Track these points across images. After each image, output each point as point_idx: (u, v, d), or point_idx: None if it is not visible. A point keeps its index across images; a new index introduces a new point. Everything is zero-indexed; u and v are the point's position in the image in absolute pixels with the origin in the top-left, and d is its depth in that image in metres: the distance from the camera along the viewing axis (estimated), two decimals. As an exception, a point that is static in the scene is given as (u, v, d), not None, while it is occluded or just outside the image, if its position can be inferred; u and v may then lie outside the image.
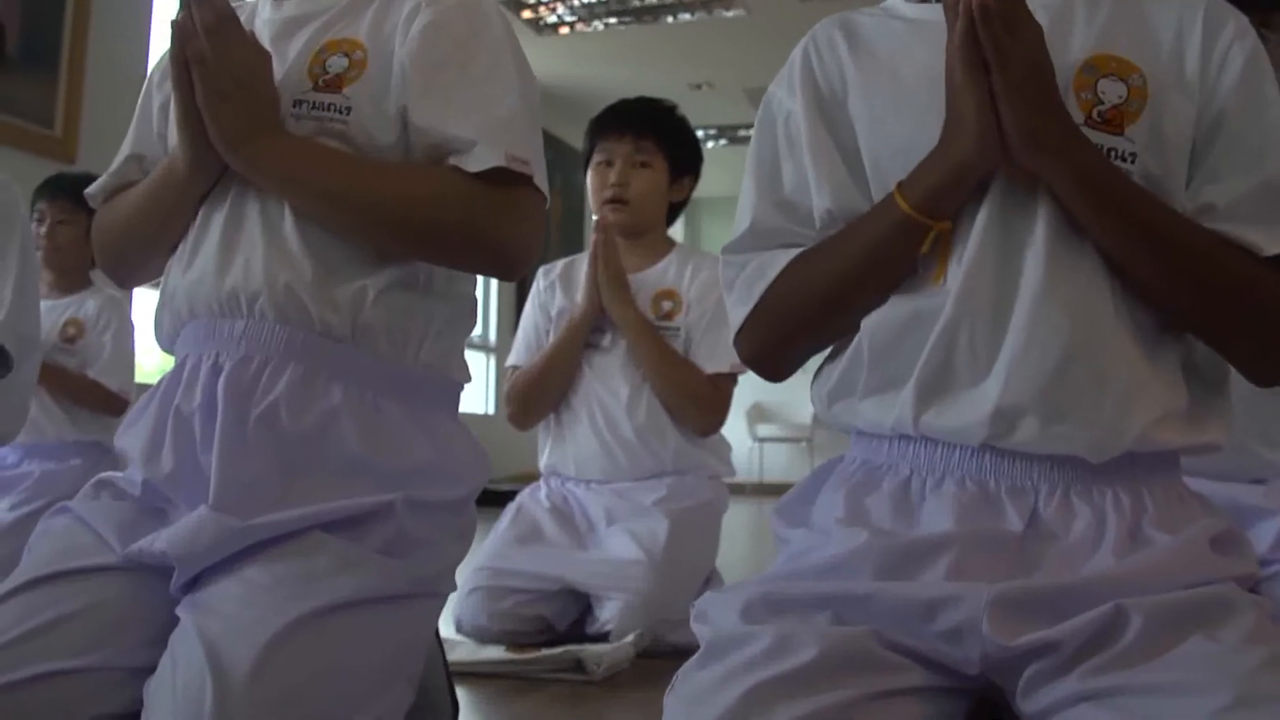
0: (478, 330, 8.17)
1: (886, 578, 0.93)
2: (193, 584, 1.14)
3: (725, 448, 2.52)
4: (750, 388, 10.40)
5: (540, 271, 2.60)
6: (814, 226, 1.07)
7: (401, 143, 1.23)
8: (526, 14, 7.09)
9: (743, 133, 9.86)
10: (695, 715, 0.85)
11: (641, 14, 7.05)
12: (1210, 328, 0.97)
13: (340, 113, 1.22)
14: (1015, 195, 0.96)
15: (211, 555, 1.12)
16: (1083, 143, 0.94)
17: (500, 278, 1.28)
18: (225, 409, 1.18)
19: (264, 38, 1.28)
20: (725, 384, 2.39)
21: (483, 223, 1.21)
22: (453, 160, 1.20)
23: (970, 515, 0.94)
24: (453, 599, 2.24)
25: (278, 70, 1.25)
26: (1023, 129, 0.93)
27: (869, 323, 1.01)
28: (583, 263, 2.48)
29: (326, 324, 1.21)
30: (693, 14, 7.03)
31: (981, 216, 0.97)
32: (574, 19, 7.15)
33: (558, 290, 2.54)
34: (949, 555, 0.92)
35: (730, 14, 7.01)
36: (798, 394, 10.30)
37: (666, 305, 2.44)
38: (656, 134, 2.46)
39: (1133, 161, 0.96)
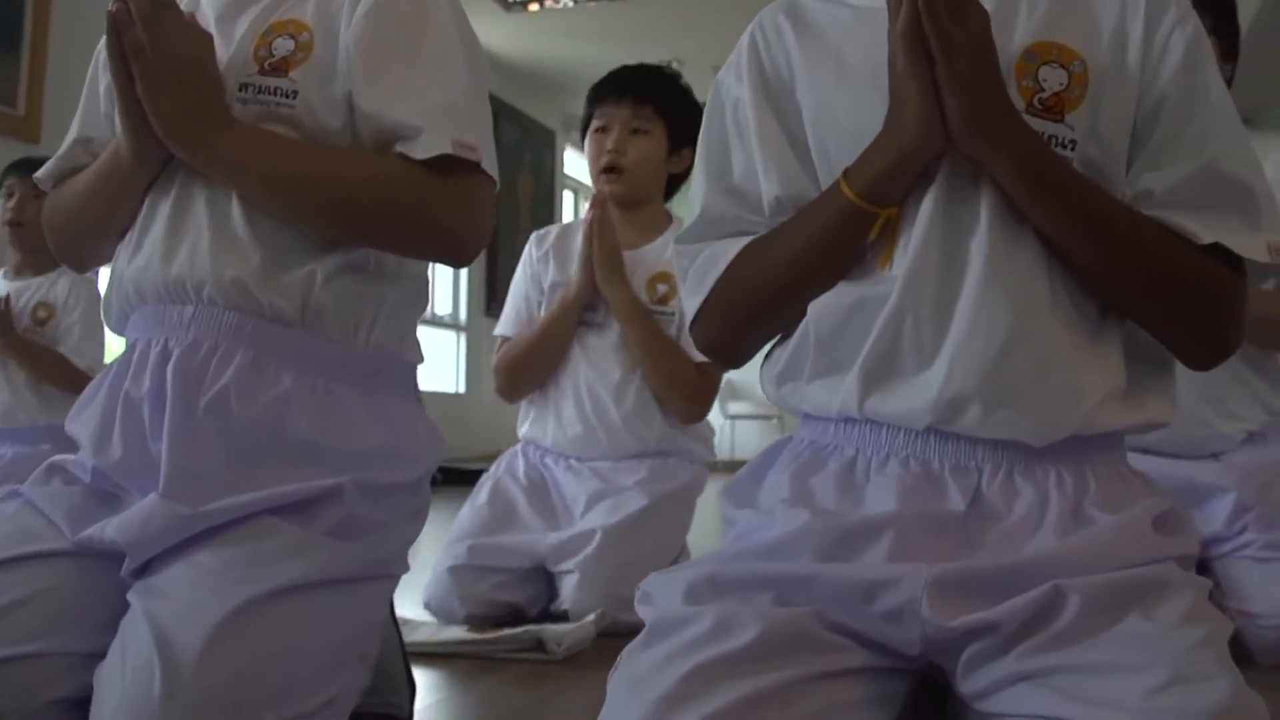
0: (447, 308, 8.16)
1: (828, 559, 0.93)
2: (143, 569, 1.13)
3: (709, 431, 2.50)
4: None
5: (533, 239, 2.55)
6: (764, 214, 1.07)
7: (349, 127, 1.22)
8: (497, -10, 7.04)
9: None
10: (637, 695, 0.85)
11: (615, -10, 7.02)
12: (1147, 314, 0.98)
13: (287, 96, 1.21)
14: (959, 182, 0.97)
15: (161, 542, 1.12)
16: (1024, 130, 0.94)
17: (449, 264, 1.27)
18: (174, 396, 1.17)
19: (209, 18, 1.27)
20: (713, 373, 2.37)
21: (430, 210, 1.20)
22: (400, 147, 1.19)
23: (913, 495, 0.95)
24: (424, 578, 2.25)
25: (223, 53, 1.23)
26: (965, 116, 0.93)
27: (815, 308, 1.01)
28: (577, 232, 2.43)
29: (275, 309, 1.20)
30: (665, -10, 7.00)
31: (927, 203, 0.97)
32: (545, -6, 7.11)
33: (551, 261, 2.48)
34: (890, 536, 0.92)
35: (704, -10, 6.98)
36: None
37: (662, 289, 2.40)
38: (656, 100, 2.42)
39: (1073, 149, 0.96)
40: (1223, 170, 0.96)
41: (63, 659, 1.09)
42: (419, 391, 1.35)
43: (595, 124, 2.41)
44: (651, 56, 7.86)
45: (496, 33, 7.62)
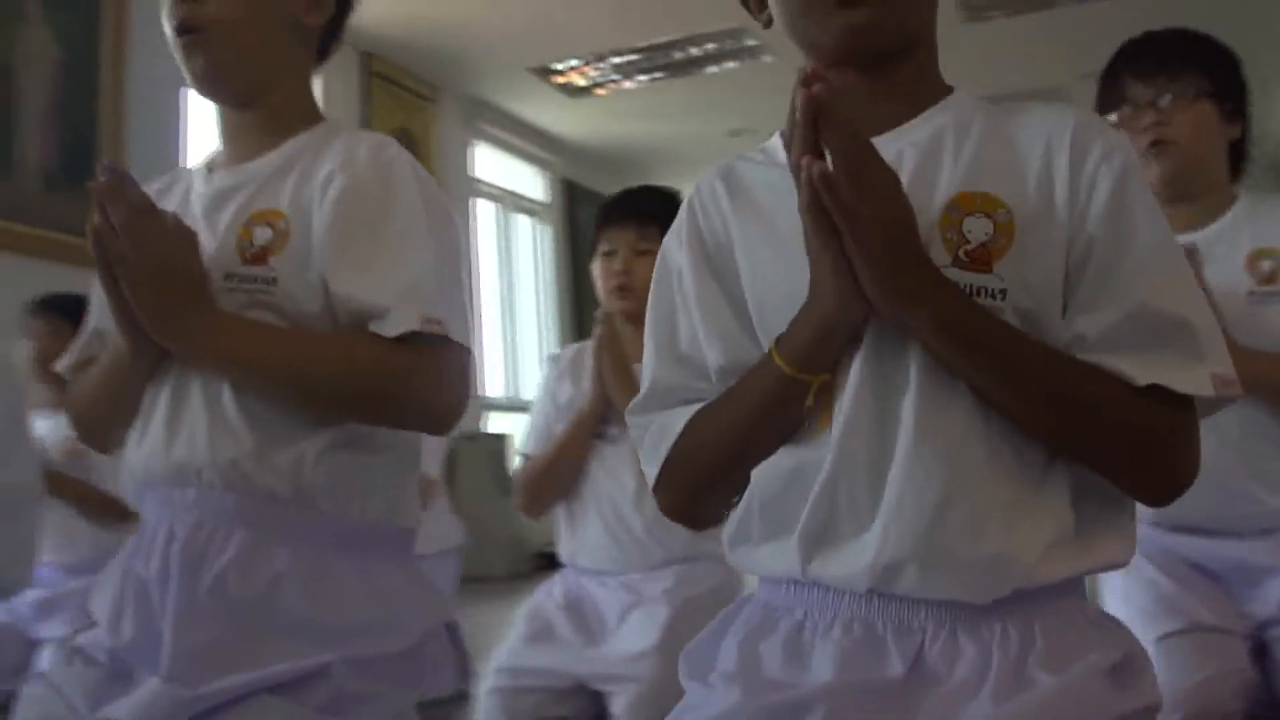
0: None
1: None
2: None
3: None
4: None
5: (549, 359, 2.62)
6: (711, 380, 1.08)
7: (328, 310, 1.28)
8: (558, 79, 7.19)
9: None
10: None
11: (676, 68, 7.12)
12: (1091, 459, 0.97)
13: (268, 284, 1.28)
14: (887, 343, 0.97)
15: None
16: (943, 289, 0.94)
17: (430, 433, 1.33)
18: (178, 578, 1.24)
19: (196, 211, 1.35)
20: None
21: (403, 388, 1.25)
22: (372, 326, 1.24)
23: (852, 662, 0.95)
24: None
25: (209, 244, 1.30)
26: (878, 285, 0.92)
27: (757, 474, 1.03)
28: (589, 351, 2.51)
29: (270, 489, 1.26)
30: (724, 65, 7.08)
31: (856, 367, 0.97)
32: (607, 79, 7.24)
33: (567, 379, 2.53)
34: (821, 712, 0.92)
35: (764, 60, 7.05)
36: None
37: None
38: (659, 222, 2.49)
39: (1003, 298, 0.95)
40: (1155, 309, 0.95)
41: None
42: (412, 552, 1.39)
43: (603, 248, 2.47)
44: (720, 127, 7.96)
45: (566, 119, 7.78)
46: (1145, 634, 1.88)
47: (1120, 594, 2.01)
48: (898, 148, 1.01)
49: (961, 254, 0.96)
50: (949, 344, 0.94)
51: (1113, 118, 2.06)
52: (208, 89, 1.37)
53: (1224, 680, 1.83)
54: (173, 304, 1.25)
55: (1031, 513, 0.95)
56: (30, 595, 2.92)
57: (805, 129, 0.90)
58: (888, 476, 0.95)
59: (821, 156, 0.90)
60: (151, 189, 1.45)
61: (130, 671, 1.26)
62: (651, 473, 1.10)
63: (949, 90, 1.08)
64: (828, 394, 0.99)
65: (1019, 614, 0.95)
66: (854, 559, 0.96)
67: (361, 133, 1.39)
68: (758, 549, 1.04)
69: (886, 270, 0.92)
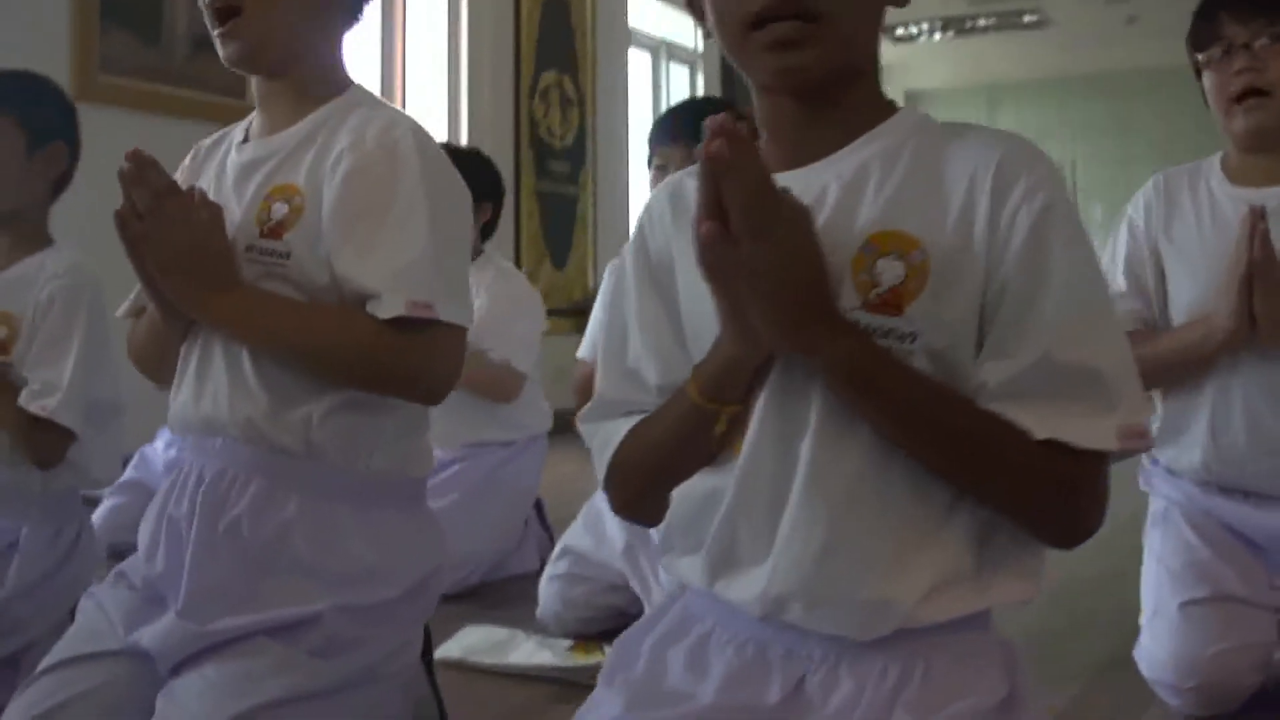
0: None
1: None
2: (176, 669, 1.36)
3: None
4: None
5: (609, 269, 2.63)
6: (654, 395, 1.11)
7: (335, 284, 1.37)
8: None
9: (968, 24, 9.48)
10: None
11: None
12: (992, 505, 0.98)
13: (282, 258, 1.38)
14: (793, 381, 0.99)
15: (178, 654, 1.34)
16: (842, 336, 0.94)
17: (423, 404, 1.43)
18: (200, 520, 1.39)
19: (229, 179, 1.45)
20: None
21: (395, 366, 1.35)
22: (369, 306, 1.34)
23: (736, 683, 1.01)
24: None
25: (235, 215, 1.41)
26: (774, 334, 0.94)
27: (676, 494, 1.07)
28: None
29: (283, 444, 1.38)
30: None
31: (761, 402, 1.00)
32: None
33: None
34: None
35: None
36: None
37: None
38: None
39: (913, 341, 0.95)
40: (1060, 359, 0.93)
41: (114, 744, 1.35)
42: (423, 500, 1.52)
43: (656, 161, 2.50)
44: None
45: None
46: (1170, 597, 1.91)
47: (1155, 552, 2.02)
48: (824, 180, 1.01)
49: (872, 296, 0.96)
50: (847, 391, 0.96)
51: (1201, 56, 1.97)
52: (242, 67, 1.45)
53: (1241, 654, 1.84)
54: (193, 280, 1.36)
55: (923, 555, 0.98)
56: (162, 454, 3.20)
57: (705, 186, 0.92)
58: (783, 513, 0.99)
59: (723, 211, 0.91)
60: (204, 145, 1.56)
61: (163, 598, 1.42)
62: (599, 477, 1.16)
63: (891, 111, 1.06)
64: (742, 424, 1.02)
65: (903, 652, 0.99)
66: (749, 586, 1.01)
67: (378, 108, 1.45)
68: (679, 560, 1.10)
69: (783, 321, 0.94)
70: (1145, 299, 2.00)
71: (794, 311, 0.94)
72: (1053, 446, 0.93)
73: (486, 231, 3.07)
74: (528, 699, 2.08)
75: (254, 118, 1.52)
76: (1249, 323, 1.78)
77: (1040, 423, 0.94)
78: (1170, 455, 2.02)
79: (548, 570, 2.51)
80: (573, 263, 6.93)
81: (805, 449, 0.98)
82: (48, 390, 1.81)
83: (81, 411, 1.83)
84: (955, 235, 0.97)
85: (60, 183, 2.00)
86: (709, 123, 0.91)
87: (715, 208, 0.92)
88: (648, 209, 1.16)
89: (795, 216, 0.94)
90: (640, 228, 1.16)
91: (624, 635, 1.17)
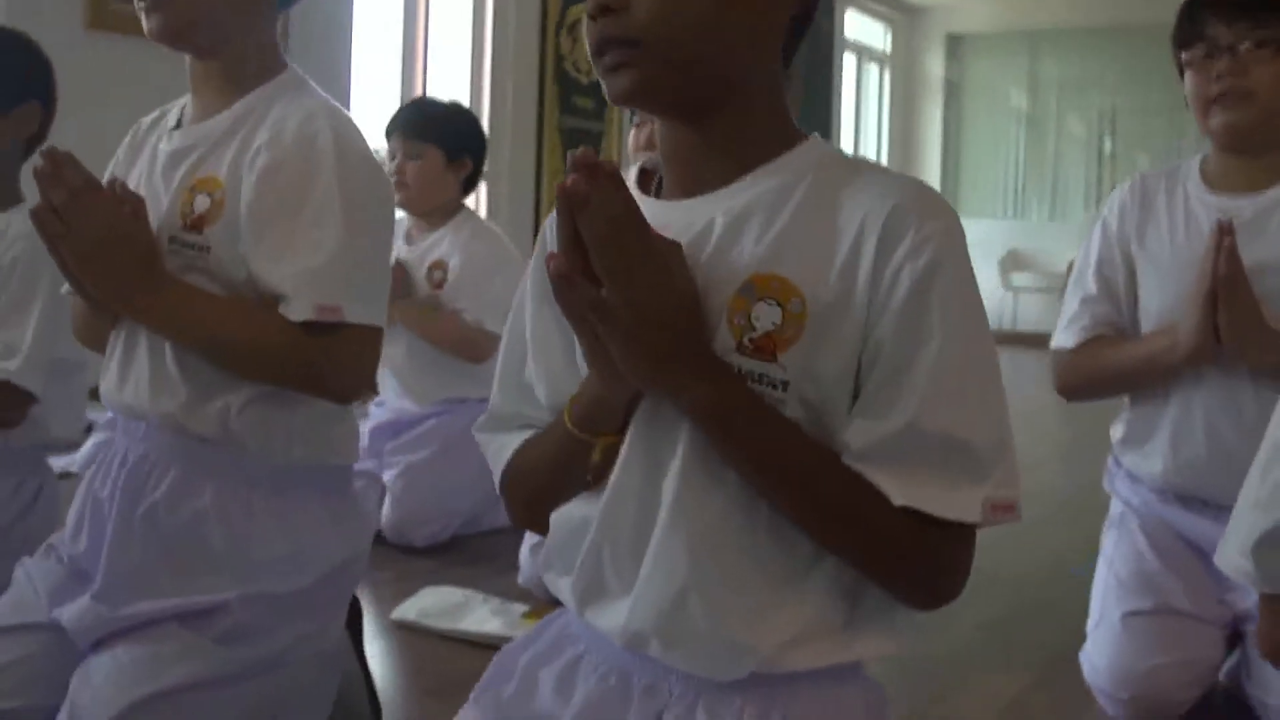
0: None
1: None
2: (94, 646, 1.39)
3: None
4: (1005, 233, 9.90)
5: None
6: (546, 412, 1.09)
7: (252, 280, 1.37)
8: None
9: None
10: None
11: None
12: (850, 563, 0.97)
13: (202, 251, 1.38)
14: (661, 415, 0.97)
15: (92, 635, 1.38)
16: (703, 376, 0.92)
17: (334, 402, 1.44)
18: (119, 504, 1.41)
19: (158, 167, 1.45)
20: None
21: (304, 366, 1.36)
22: (280, 308, 1.34)
23: (595, 711, 1.02)
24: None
25: (162, 205, 1.41)
26: (633, 373, 0.93)
27: (554, 517, 1.07)
28: None
29: (201, 434, 1.40)
30: None
31: (630, 436, 0.99)
32: None
33: None
34: None
35: None
36: (1057, 241, 9.81)
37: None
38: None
39: (785, 389, 0.93)
40: (928, 428, 0.91)
41: (34, 714, 1.38)
42: (346, 486, 1.53)
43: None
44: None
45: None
46: (1115, 606, 1.91)
47: (1107, 556, 2.01)
48: (711, 214, 0.98)
49: (747, 340, 0.94)
50: (710, 434, 0.94)
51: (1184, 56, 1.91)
52: (168, 43, 1.42)
53: (1179, 669, 1.83)
54: (112, 275, 1.36)
55: (785, 604, 0.97)
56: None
57: (562, 222, 0.90)
58: (645, 550, 0.98)
59: (581, 247, 0.90)
60: (144, 124, 1.55)
61: (86, 574, 1.45)
62: (497, 484, 1.15)
63: (794, 143, 1.00)
64: (616, 454, 1.01)
65: (760, 696, 0.99)
66: (613, 618, 1.01)
67: (301, 97, 1.44)
68: (558, 580, 1.09)
69: (641, 362, 0.92)
70: (1115, 303, 1.96)
71: (653, 353, 0.92)
72: (913, 514, 0.92)
73: (468, 186, 3.07)
74: (473, 667, 2.10)
75: (185, 102, 1.51)
76: (1213, 338, 1.74)
77: (900, 489, 0.92)
78: (1132, 460, 1.99)
79: (528, 538, 2.51)
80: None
81: (669, 486, 0.97)
82: (8, 353, 1.83)
83: (43, 373, 1.85)
84: (837, 287, 0.93)
85: (33, 142, 1.99)
86: (571, 157, 0.90)
87: (572, 244, 0.90)
88: (550, 220, 1.14)
89: (660, 255, 0.92)
90: (542, 239, 1.13)
91: (505, 649, 1.17)
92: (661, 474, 0.97)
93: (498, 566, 2.60)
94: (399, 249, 3.00)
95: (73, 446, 2.19)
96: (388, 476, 2.95)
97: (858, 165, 1.00)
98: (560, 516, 1.07)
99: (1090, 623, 1.99)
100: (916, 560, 0.95)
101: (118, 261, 1.35)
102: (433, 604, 2.34)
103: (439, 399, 2.97)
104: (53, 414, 1.95)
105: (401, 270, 2.93)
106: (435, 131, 2.98)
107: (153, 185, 1.44)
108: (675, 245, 0.94)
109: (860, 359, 0.94)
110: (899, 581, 0.98)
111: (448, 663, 2.12)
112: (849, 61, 9.88)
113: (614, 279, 0.89)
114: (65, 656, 1.40)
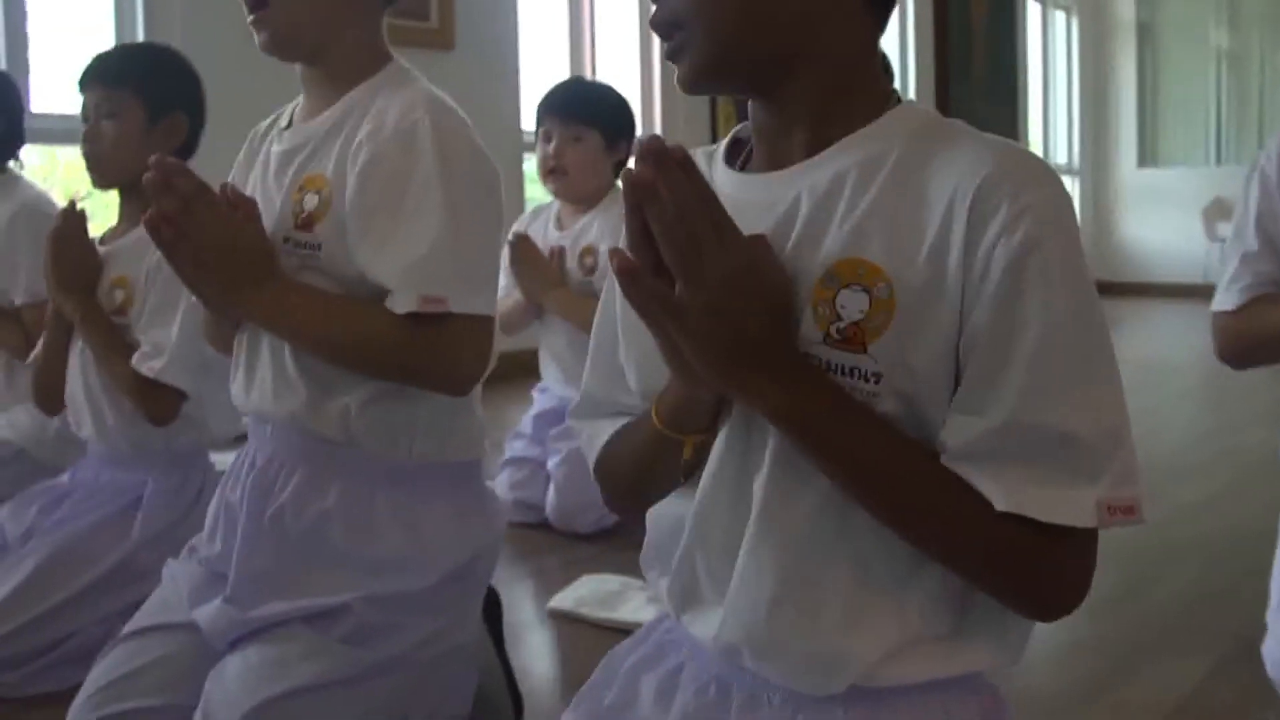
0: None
1: None
2: (230, 646, 1.43)
3: None
4: (1208, 181, 9.40)
5: None
6: (638, 399, 1.05)
7: (362, 276, 1.37)
8: None
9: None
10: None
11: None
12: (952, 571, 0.90)
13: (314, 249, 1.39)
14: (750, 415, 0.92)
15: (225, 636, 1.41)
16: (782, 379, 0.86)
17: (449, 395, 1.42)
18: (248, 507, 1.44)
19: (270, 169, 1.47)
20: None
21: (414, 360, 1.36)
22: (387, 303, 1.34)
23: None
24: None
25: (274, 206, 1.42)
26: (710, 375, 0.88)
27: (651, 514, 1.03)
28: None
29: (324, 434, 1.42)
30: None
31: (722, 436, 0.94)
32: None
33: None
34: None
35: None
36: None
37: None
38: None
39: (877, 382, 0.86)
40: (1030, 423, 0.83)
41: (177, 711, 1.42)
42: (472, 482, 1.53)
43: None
44: None
45: None
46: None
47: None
48: (795, 191, 0.91)
49: (834, 331, 0.87)
50: (791, 437, 0.88)
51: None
52: (275, 55, 1.45)
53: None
54: (226, 279, 1.38)
55: (884, 612, 0.91)
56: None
57: (630, 215, 0.85)
58: (737, 558, 0.93)
59: (652, 241, 0.85)
60: (259, 130, 1.58)
61: (222, 576, 1.48)
62: (591, 471, 1.12)
63: (883, 108, 0.93)
64: (709, 451, 0.96)
65: (863, 710, 0.93)
66: (707, 626, 0.97)
67: (402, 88, 1.43)
68: (659, 581, 1.05)
69: (715, 364, 0.87)
70: (1278, 259, 1.79)
71: (727, 354, 0.86)
72: (1020, 520, 0.84)
73: (617, 170, 3.01)
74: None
75: (297, 103, 1.53)
76: None
77: (1003, 493, 0.84)
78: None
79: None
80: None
81: (758, 490, 0.92)
82: (156, 352, 1.90)
83: (192, 371, 1.91)
84: (926, 269, 0.85)
85: (182, 152, 2.06)
86: (638, 144, 0.85)
87: (642, 238, 0.85)
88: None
89: (738, 248, 0.86)
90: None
91: (613, 651, 1.14)
92: (751, 476, 0.92)
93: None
94: (551, 235, 2.99)
95: (234, 444, 2.25)
96: (551, 463, 2.94)
97: (953, 132, 0.92)
98: (656, 515, 1.03)
99: (1270, 611, 1.82)
100: (1026, 570, 0.87)
101: (230, 266, 1.37)
102: (589, 592, 2.33)
103: None
104: (211, 413, 2.01)
105: (557, 257, 2.93)
106: (595, 114, 2.92)
107: (266, 187, 1.46)
108: (759, 238, 0.88)
109: (958, 347, 0.86)
110: (1008, 592, 0.89)
111: (597, 653, 2.06)
112: (1034, 10, 9.47)
113: (685, 275, 0.84)
114: (205, 656, 1.43)
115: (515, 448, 3.08)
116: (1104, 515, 0.83)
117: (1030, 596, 0.89)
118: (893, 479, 0.88)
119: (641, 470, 1.03)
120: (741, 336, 0.86)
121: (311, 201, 1.40)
